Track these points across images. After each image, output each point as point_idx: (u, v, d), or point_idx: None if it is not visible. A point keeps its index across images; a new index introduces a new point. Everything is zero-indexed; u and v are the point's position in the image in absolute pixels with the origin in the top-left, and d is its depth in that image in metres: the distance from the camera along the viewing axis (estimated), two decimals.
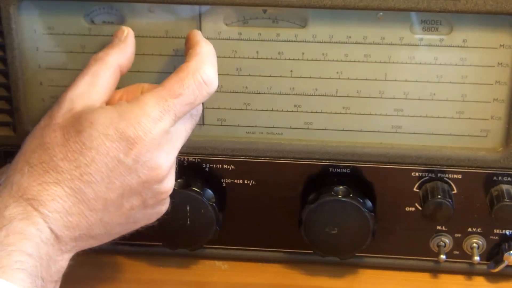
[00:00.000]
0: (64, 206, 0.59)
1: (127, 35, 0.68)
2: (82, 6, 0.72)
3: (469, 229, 0.77)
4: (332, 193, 0.73)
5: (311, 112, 0.75)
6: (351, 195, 0.73)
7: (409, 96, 0.73)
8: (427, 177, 0.75)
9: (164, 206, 0.66)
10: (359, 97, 0.73)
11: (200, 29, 0.72)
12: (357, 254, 0.77)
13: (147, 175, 0.61)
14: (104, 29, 0.73)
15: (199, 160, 0.76)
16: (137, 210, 0.63)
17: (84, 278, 0.78)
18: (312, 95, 0.74)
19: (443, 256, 0.77)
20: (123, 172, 0.60)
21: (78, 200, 0.59)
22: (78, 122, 0.60)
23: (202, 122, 0.76)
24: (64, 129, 0.61)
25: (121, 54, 0.67)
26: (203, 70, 0.64)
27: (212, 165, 0.77)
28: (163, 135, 0.61)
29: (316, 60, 0.72)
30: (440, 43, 0.71)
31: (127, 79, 0.74)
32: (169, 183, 0.64)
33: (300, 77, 0.73)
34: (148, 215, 0.65)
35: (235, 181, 0.77)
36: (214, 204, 0.74)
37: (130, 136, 0.60)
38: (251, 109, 0.75)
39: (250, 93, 0.74)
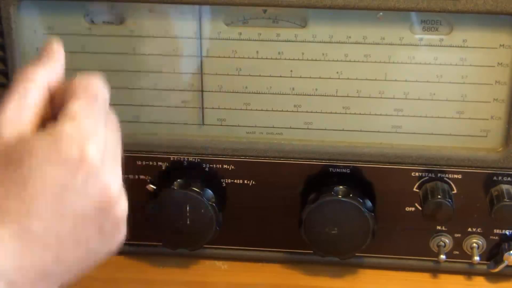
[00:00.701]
0: (14, 249, 0.53)
1: (56, 49, 0.62)
2: (82, 6, 0.72)
3: (469, 229, 0.77)
4: (332, 193, 0.73)
5: (311, 112, 0.75)
6: (351, 195, 0.73)
7: (409, 96, 0.73)
8: (427, 177, 0.75)
9: (121, 234, 0.60)
10: (359, 97, 0.73)
11: (200, 29, 0.72)
12: (357, 254, 0.77)
13: (99, 196, 0.56)
14: (104, 29, 0.73)
15: (199, 160, 0.76)
16: (94, 240, 0.58)
17: (84, 278, 0.78)
18: (312, 95, 0.74)
19: (443, 256, 0.77)
20: (73, 199, 0.55)
21: (28, 239, 0.54)
22: (15, 153, 0.55)
23: (202, 122, 0.76)
24: None
25: (50, 71, 0.61)
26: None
27: (212, 165, 0.77)
28: (103, 149, 0.57)
29: (316, 60, 0.72)
30: (440, 43, 0.71)
31: (127, 78, 0.74)
32: (123, 206, 0.59)
33: (300, 77, 0.73)
34: (107, 244, 0.60)
35: (235, 181, 0.77)
36: (214, 204, 0.74)
37: (74, 158, 0.55)
38: (251, 109, 0.75)
39: (250, 93, 0.74)
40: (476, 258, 0.77)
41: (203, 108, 0.75)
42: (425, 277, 0.80)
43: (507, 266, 0.77)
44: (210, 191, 0.75)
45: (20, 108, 0.57)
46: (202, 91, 0.75)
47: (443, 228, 0.77)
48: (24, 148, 0.55)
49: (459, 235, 0.77)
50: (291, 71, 0.73)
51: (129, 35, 0.73)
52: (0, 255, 0.52)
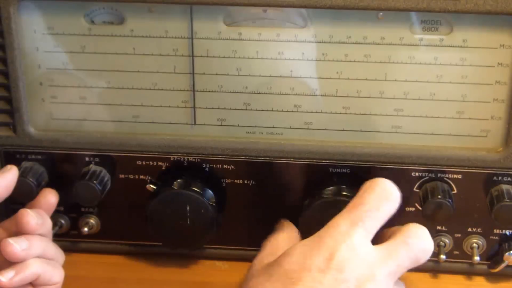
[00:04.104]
0: None
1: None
2: (82, 6, 0.72)
3: (469, 229, 0.77)
4: (332, 193, 0.73)
5: (311, 112, 0.75)
6: (351, 196, 0.72)
7: (409, 96, 0.73)
8: (427, 177, 0.75)
9: None
10: (359, 97, 0.73)
11: (200, 29, 0.72)
12: None
13: None
14: (104, 29, 0.73)
15: (199, 160, 0.76)
16: None
17: (84, 278, 0.78)
18: (312, 95, 0.74)
19: (443, 256, 0.77)
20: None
21: None
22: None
23: (202, 122, 0.76)
24: None
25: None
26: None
27: (212, 165, 0.76)
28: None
29: (316, 60, 0.72)
30: (440, 43, 0.71)
31: (127, 79, 0.75)
32: None
33: (300, 77, 0.73)
34: None
35: (235, 181, 0.77)
36: (214, 204, 0.74)
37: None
38: (251, 109, 0.75)
39: (250, 93, 0.74)
40: (476, 258, 0.77)
41: (203, 108, 0.75)
42: (425, 277, 0.80)
43: (507, 266, 0.77)
44: (210, 191, 0.75)
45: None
46: (202, 91, 0.75)
47: (443, 228, 0.77)
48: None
49: (459, 235, 0.77)
50: (291, 71, 0.73)
51: (129, 35, 0.73)
52: None
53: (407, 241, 0.62)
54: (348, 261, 0.59)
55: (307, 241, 0.62)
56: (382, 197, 0.63)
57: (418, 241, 0.63)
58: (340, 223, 0.62)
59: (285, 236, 0.70)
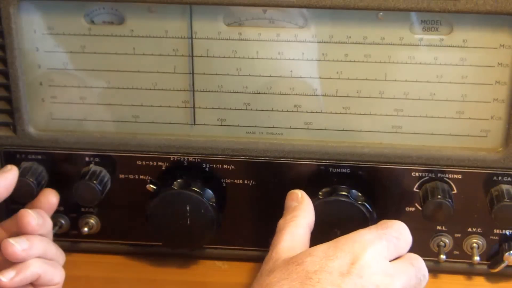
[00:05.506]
0: None
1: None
2: (82, 6, 0.72)
3: (469, 229, 0.77)
4: (332, 193, 0.73)
5: (311, 112, 0.75)
6: (351, 197, 0.73)
7: (409, 96, 0.73)
8: (427, 177, 0.75)
9: None
10: (359, 97, 0.73)
11: (199, 29, 0.72)
12: None
13: None
14: (104, 29, 0.73)
15: (199, 160, 0.76)
16: None
17: (84, 278, 0.78)
18: (312, 95, 0.74)
19: (443, 256, 0.77)
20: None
21: None
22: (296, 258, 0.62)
23: (202, 122, 0.76)
24: None
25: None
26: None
27: (212, 165, 0.77)
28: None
29: (316, 60, 0.72)
30: (440, 43, 0.71)
31: (127, 79, 0.75)
32: None
33: (300, 77, 0.73)
34: None
35: (235, 181, 0.77)
36: (214, 204, 0.74)
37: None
38: (251, 109, 0.75)
39: (250, 93, 0.74)
40: (476, 258, 0.77)
41: (203, 108, 0.75)
42: None
43: (507, 266, 0.77)
44: (210, 191, 0.75)
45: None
46: (201, 91, 0.75)
47: (443, 228, 0.77)
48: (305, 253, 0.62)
49: (459, 235, 0.77)
50: (291, 71, 0.73)
51: (129, 35, 0.73)
52: None
53: (413, 263, 0.64)
54: (369, 267, 0.60)
55: (331, 243, 0.63)
56: (401, 230, 0.65)
57: (422, 265, 0.64)
58: (366, 233, 0.63)
59: (304, 224, 0.69)
